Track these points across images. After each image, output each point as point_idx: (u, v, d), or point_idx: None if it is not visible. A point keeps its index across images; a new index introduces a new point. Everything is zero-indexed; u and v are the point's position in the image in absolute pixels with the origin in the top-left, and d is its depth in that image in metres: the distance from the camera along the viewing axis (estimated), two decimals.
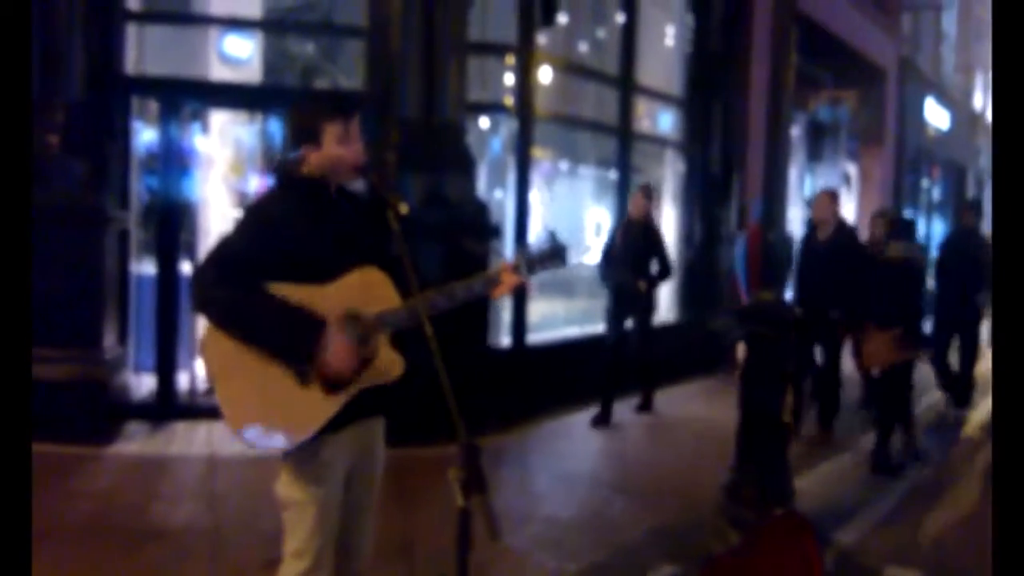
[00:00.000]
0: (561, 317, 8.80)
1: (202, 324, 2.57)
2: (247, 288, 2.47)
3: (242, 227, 2.61)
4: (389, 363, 2.60)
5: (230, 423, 2.51)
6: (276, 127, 8.12)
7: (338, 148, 2.61)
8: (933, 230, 20.61)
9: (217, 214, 7.65)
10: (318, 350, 2.45)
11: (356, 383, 2.56)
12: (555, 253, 2.71)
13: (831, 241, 6.90)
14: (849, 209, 15.89)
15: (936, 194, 20.83)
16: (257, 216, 2.65)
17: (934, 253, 20.76)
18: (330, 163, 2.63)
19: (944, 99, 19.90)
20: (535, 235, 7.10)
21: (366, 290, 2.59)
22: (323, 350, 2.45)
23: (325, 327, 2.47)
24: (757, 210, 11.23)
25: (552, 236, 2.75)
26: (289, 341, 2.47)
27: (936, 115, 19.11)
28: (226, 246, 2.58)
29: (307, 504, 2.59)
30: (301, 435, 2.52)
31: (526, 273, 2.70)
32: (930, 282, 8.44)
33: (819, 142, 14.33)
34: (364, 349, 2.54)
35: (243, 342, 2.48)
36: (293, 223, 2.57)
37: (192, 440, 6.18)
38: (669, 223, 10.37)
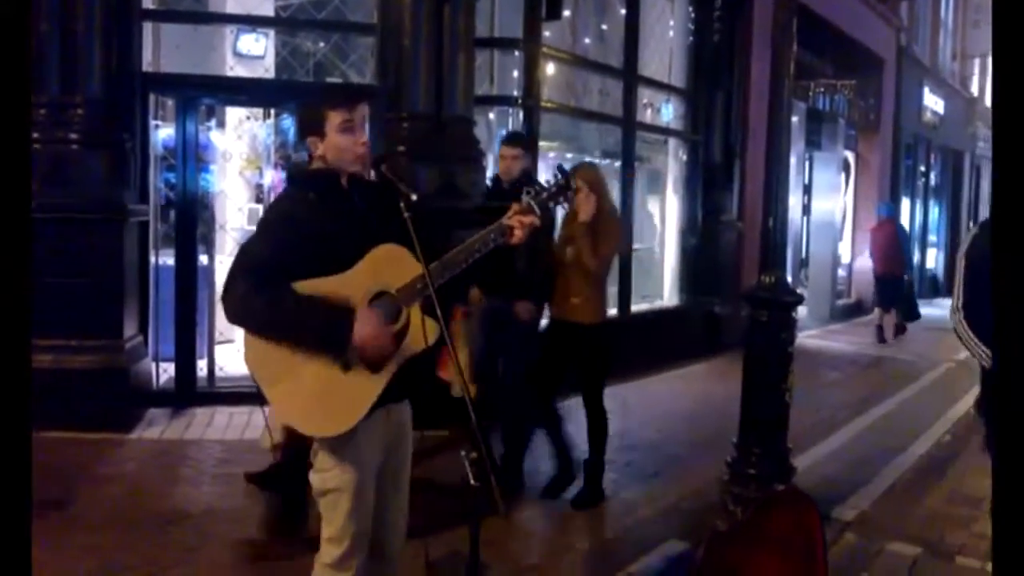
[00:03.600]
0: None
1: (239, 332, 2.56)
2: (276, 292, 2.49)
3: (262, 232, 2.64)
4: (425, 330, 2.63)
5: (294, 424, 2.56)
6: (290, 122, 8.22)
7: (341, 137, 2.64)
8: (930, 215, 20.76)
9: (233, 207, 7.78)
10: (352, 338, 2.49)
11: (396, 357, 2.60)
12: (563, 186, 2.76)
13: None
14: (848, 195, 16.05)
15: (933, 179, 20.95)
16: (275, 219, 2.67)
17: (934, 237, 20.92)
18: (335, 152, 2.66)
19: (941, 86, 19.97)
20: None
21: (388, 265, 2.62)
22: (357, 336, 2.49)
23: (354, 315, 2.50)
24: (887, 208, 12.93)
25: (560, 168, 2.80)
26: (324, 337, 2.51)
27: (933, 102, 19.21)
28: (250, 254, 2.59)
29: (342, 490, 2.62)
30: (354, 418, 2.56)
31: (537, 210, 2.70)
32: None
33: (818, 130, 14.42)
34: (394, 324, 2.58)
35: (282, 344, 2.51)
36: (310, 219, 2.59)
37: (211, 425, 6.29)
38: (672, 210, 10.54)
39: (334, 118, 2.65)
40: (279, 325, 2.50)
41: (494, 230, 2.66)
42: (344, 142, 2.66)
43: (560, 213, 5.02)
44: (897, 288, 12.34)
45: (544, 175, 8.02)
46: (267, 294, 2.48)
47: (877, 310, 12.50)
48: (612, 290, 9.04)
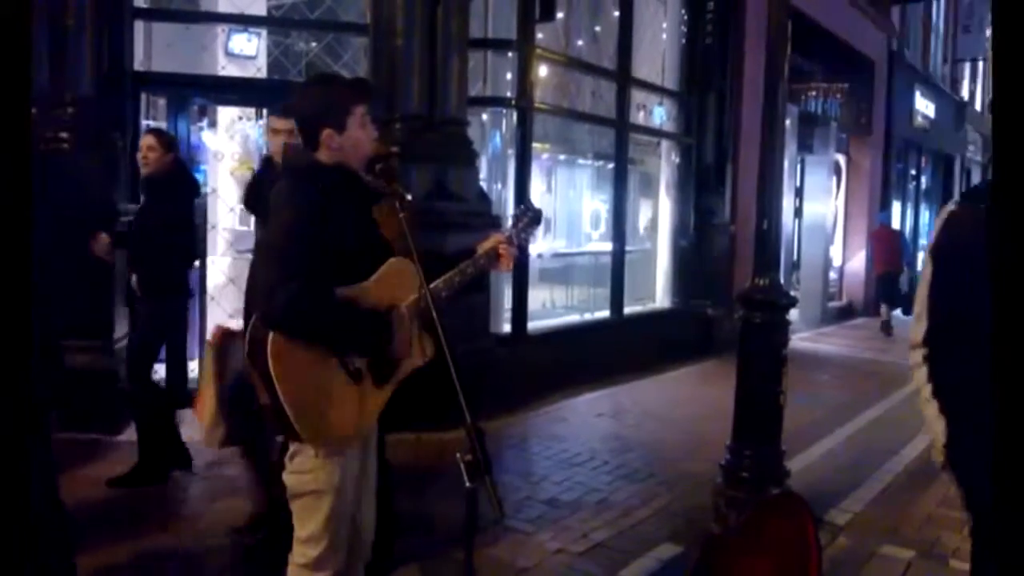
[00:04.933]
0: (561, 304, 8.96)
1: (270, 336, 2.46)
2: (322, 295, 2.45)
3: (290, 234, 2.50)
4: (424, 345, 2.71)
5: (299, 429, 2.48)
6: None
7: (362, 131, 2.61)
8: (921, 218, 20.82)
9: (224, 207, 7.74)
10: (390, 345, 2.58)
11: (401, 369, 2.66)
12: (534, 219, 2.98)
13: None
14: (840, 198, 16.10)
15: (924, 183, 21.03)
16: (299, 219, 2.50)
17: (924, 240, 21.03)
18: (352, 147, 2.60)
19: (932, 90, 20.04)
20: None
21: (400, 281, 2.64)
22: (392, 344, 2.58)
23: (391, 323, 2.57)
24: (884, 216, 14.55)
25: (528, 203, 3.01)
26: (372, 339, 2.55)
27: (924, 106, 19.27)
28: (285, 259, 2.47)
29: (323, 492, 2.59)
30: (357, 429, 2.63)
31: (516, 244, 2.90)
32: None
33: (810, 133, 14.46)
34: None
35: (325, 348, 2.50)
36: (329, 218, 2.50)
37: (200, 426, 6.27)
38: (665, 212, 10.55)
39: (358, 111, 2.62)
40: (329, 327, 2.49)
41: (484, 257, 2.81)
42: (364, 136, 2.64)
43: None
44: (895, 285, 13.77)
45: (539, 176, 8.08)
46: (314, 297, 2.44)
47: (883, 307, 13.73)
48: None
